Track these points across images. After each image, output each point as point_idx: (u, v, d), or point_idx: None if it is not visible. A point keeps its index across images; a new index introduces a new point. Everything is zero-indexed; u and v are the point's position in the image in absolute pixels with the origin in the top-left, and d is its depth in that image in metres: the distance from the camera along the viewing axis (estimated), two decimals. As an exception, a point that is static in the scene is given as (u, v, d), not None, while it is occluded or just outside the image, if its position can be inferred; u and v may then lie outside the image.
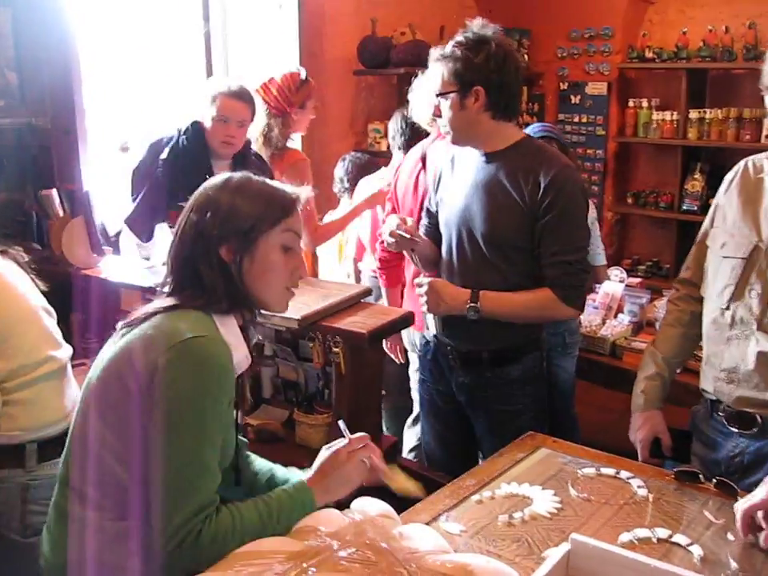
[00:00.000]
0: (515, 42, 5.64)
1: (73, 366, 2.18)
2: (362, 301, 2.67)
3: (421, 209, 2.77)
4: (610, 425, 3.36)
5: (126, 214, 3.12)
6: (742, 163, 2.04)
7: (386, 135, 4.01)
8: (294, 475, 1.74)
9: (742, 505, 1.58)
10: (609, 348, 3.23)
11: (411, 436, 3.54)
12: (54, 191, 3.19)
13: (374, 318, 2.48)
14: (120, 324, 1.60)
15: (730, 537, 1.60)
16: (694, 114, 5.17)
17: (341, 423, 1.67)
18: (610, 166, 5.78)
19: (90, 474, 1.52)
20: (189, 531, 1.40)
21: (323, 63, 4.73)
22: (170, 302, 1.57)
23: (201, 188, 1.64)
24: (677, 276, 2.25)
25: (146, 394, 1.44)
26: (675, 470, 1.87)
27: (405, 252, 2.57)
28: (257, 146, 3.31)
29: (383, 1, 4.99)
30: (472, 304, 2.29)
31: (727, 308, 1.95)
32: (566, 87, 5.85)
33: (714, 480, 1.80)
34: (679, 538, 1.59)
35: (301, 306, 2.42)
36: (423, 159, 3.05)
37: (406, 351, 3.36)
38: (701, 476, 1.83)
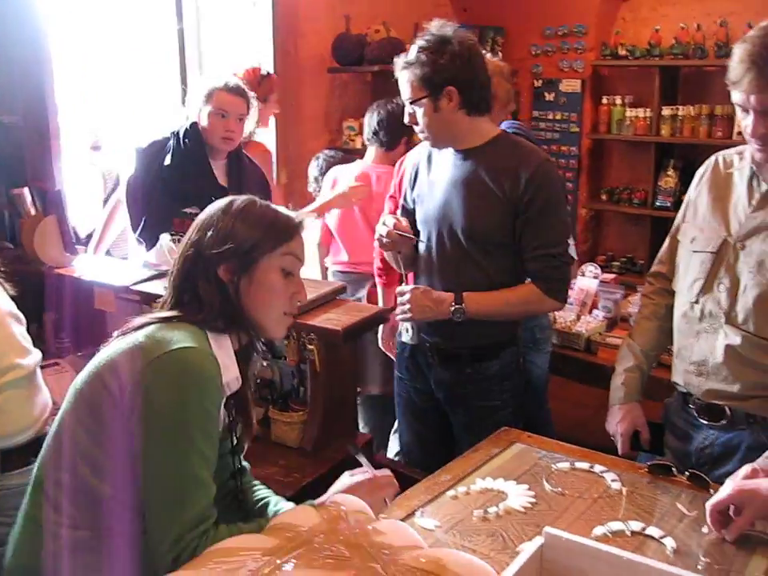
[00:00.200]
0: (489, 39, 5.67)
1: (45, 367, 2.14)
2: (337, 298, 2.66)
3: None
4: (586, 420, 3.38)
5: (135, 227, 3.05)
6: (712, 158, 2.06)
7: (360, 132, 4.00)
8: (285, 506, 1.70)
9: (709, 501, 1.59)
10: (583, 344, 3.24)
11: (396, 441, 3.53)
12: (26, 190, 3.14)
13: (348, 315, 2.48)
14: (116, 333, 1.60)
15: (704, 530, 1.61)
16: (666, 111, 5.22)
17: (361, 458, 1.67)
18: (584, 163, 5.81)
19: (65, 484, 1.50)
20: (184, 547, 1.39)
21: (297, 61, 4.73)
22: (168, 313, 1.57)
23: (206, 209, 1.65)
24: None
25: (129, 402, 1.43)
26: (649, 463, 1.89)
27: (387, 254, 2.55)
28: None
29: (357, -2, 4.99)
30: (457, 306, 2.30)
31: (696, 302, 1.97)
32: (540, 84, 5.87)
33: (687, 473, 1.81)
34: (652, 531, 1.60)
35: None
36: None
37: None
38: (674, 469, 1.85)
